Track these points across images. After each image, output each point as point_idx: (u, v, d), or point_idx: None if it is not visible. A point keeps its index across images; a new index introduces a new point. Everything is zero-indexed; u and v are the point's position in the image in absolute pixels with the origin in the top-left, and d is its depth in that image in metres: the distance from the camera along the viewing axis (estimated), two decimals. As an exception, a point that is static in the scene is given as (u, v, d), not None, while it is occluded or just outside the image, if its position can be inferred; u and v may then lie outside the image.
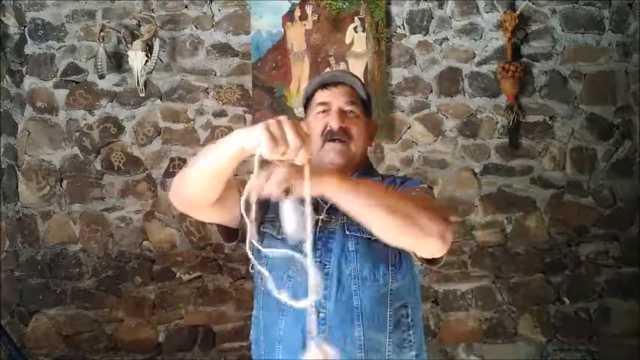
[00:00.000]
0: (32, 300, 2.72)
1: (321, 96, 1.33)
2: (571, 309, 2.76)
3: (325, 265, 1.20)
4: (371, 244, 1.20)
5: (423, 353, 1.27)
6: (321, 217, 1.24)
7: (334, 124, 1.28)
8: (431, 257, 1.18)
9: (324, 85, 1.34)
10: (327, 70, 2.70)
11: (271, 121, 0.95)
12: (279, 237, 1.22)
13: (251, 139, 0.95)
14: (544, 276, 2.76)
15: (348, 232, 1.22)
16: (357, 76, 1.42)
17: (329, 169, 1.12)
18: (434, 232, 1.06)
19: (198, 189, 1.12)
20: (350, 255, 1.21)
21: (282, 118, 0.96)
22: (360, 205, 1.05)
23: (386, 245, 1.19)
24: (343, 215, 1.22)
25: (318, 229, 1.23)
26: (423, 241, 1.08)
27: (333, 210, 1.24)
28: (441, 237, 1.07)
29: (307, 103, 1.39)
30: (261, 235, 1.26)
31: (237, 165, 1.05)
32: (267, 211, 1.28)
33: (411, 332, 1.23)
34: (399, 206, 1.05)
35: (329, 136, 1.29)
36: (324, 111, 1.31)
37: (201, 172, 1.09)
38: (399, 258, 1.22)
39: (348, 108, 1.31)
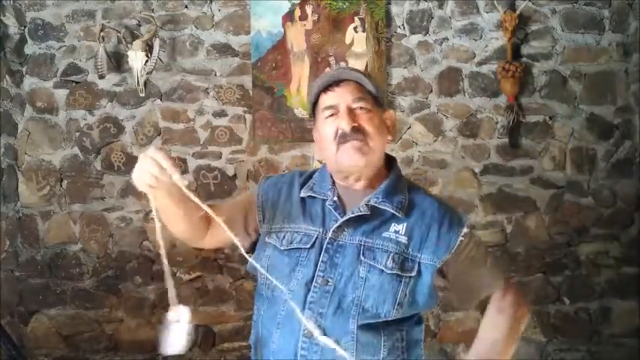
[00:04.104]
0: (32, 300, 2.72)
1: (326, 99, 1.24)
2: (571, 309, 2.76)
3: (328, 281, 1.15)
4: (383, 276, 1.15)
5: None
6: (332, 228, 1.19)
7: (345, 125, 1.19)
8: None
9: (327, 87, 1.25)
10: (327, 70, 2.69)
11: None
12: (282, 248, 1.21)
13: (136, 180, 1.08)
14: (544, 276, 2.76)
15: (362, 258, 1.16)
16: (359, 70, 1.35)
17: None
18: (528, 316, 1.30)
19: (175, 230, 1.25)
20: (358, 281, 1.15)
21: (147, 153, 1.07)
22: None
23: (399, 282, 1.15)
24: (362, 236, 1.18)
25: (327, 241, 1.18)
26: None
27: (349, 224, 1.19)
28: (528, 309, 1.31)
29: (314, 108, 1.29)
30: (265, 246, 1.24)
31: (175, 199, 1.15)
32: (274, 221, 1.26)
33: (405, 355, 1.18)
34: (520, 327, 1.28)
35: (342, 139, 1.19)
36: (332, 114, 1.22)
37: (163, 216, 1.20)
38: (411, 297, 1.16)
39: (356, 105, 1.22)
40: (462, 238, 1.20)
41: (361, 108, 1.22)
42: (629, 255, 2.76)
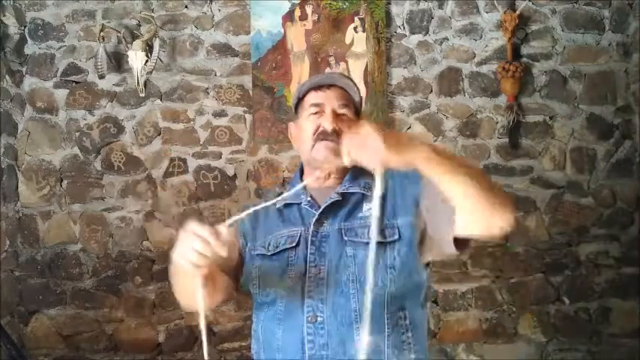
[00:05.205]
0: (32, 300, 2.72)
1: (314, 97, 1.32)
2: (571, 309, 2.76)
3: (320, 269, 1.20)
4: (369, 248, 1.16)
5: (424, 355, 1.25)
6: (311, 222, 1.26)
7: (327, 125, 1.27)
8: (483, 236, 1.11)
9: (317, 87, 1.33)
10: (328, 70, 2.70)
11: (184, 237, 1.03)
12: (270, 254, 1.26)
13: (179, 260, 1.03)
14: (544, 276, 2.76)
15: (346, 238, 1.22)
16: (351, 79, 1.41)
17: (418, 141, 1.05)
18: (509, 207, 1.07)
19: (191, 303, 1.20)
20: (348, 260, 1.20)
21: (190, 229, 1.02)
22: (444, 172, 1.05)
23: (385, 248, 1.20)
24: (341, 221, 1.25)
25: (310, 234, 1.24)
26: (499, 213, 1.06)
27: (327, 214, 1.26)
28: (513, 211, 1.07)
29: (299, 103, 1.37)
30: (254, 259, 1.30)
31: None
32: (257, 237, 1.32)
33: (410, 334, 1.20)
34: (482, 180, 1.06)
35: (321, 137, 1.28)
36: (316, 112, 1.30)
37: (180, 294, 1.22)
38: (399, 260, 1.20)
39: (341, 111, 1.30)
40: (422, 181, 1.21)
41: (344, 115, 1.31)
42: (629, 255, 2.76)
